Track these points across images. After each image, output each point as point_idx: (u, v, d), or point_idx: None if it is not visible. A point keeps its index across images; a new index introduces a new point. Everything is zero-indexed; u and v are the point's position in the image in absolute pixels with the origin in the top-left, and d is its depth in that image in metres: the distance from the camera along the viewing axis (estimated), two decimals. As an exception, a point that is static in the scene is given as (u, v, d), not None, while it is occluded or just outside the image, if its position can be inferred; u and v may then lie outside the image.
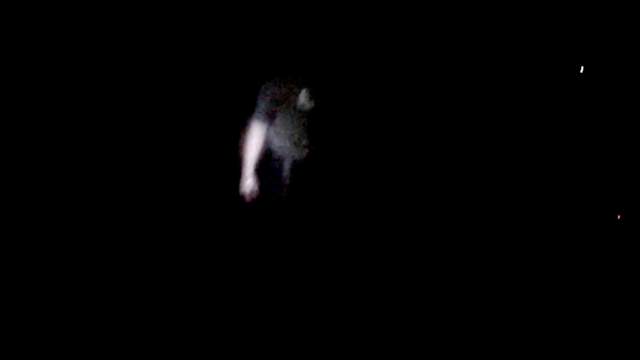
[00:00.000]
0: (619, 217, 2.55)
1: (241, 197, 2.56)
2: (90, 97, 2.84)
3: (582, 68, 3.05)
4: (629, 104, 2.94)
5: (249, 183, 2.54)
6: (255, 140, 2.51)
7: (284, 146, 2.55)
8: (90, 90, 2.83)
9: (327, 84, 2.53)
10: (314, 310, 2.16)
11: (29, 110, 2.78)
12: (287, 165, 2.59)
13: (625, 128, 2.89)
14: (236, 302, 2.24)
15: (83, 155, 2.84)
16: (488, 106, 3.05)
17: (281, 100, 2.50)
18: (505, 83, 3.12)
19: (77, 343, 1.90)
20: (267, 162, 2.61)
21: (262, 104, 2.50)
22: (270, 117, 2.51)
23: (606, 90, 2.99)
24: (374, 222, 2.76)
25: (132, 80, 2.82)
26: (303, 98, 2.48)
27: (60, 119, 2.85)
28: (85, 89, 2.84)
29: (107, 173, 2.79)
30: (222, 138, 2.72)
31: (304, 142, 2.54)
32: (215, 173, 2.77)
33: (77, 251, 2.43)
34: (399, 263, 2.51)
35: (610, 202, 2.66)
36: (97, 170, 2.80)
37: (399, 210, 2.84)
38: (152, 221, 2.71)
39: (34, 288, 2.14)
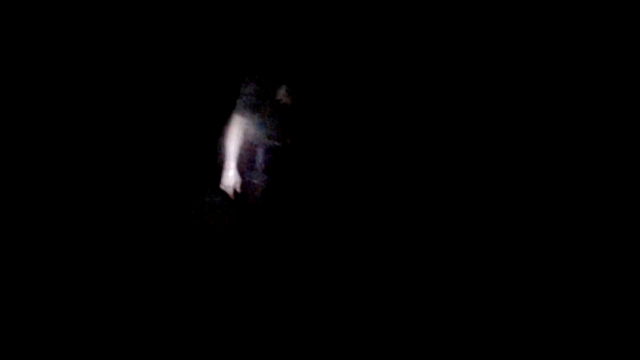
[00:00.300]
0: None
1: (222, 192, 2.55)
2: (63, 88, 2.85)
3: (581, 67, 3.01)
4: (629, 104, 2.89)
5: (230, 177, 2.53)
6: (236, 134, 2.52)
7: (264, 140, 2.55)
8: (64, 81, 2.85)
9: (307, 77, 2.54)
10: (298, 307, 2.13)
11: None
12: (267, 159, 2.58)
13: (625, 128, 2.84)
14: (219, 299, 2.22)
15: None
16: (468, 92, 3.01)
17: (262, 94, 2.51)
18: (492, 75, 3.08)
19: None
20: (248, 156, 2.59)
21: (243, 98, 2.51)
22: (251, 111, 2.52)
23: (606, 90, 2.92)
24: (357, 215, 2.71)
25: (109, 73, 2.84)
26: (283, 92, 2.50)
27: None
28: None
29: (82, 167, 2.80)
30: (202, 132, 2.72)
31: (285, 135, 2.53)
32: (196, 167, 2.76)
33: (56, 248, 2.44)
34: (380, 254, 2.46)
35: (610, 201, 2.59)
36: (71, 162, 2.81)
37: (383, 202, 2.79)
38: (132, 216, 2.70)
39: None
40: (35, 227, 2.51)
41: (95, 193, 2.71)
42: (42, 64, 2.75)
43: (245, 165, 2.60)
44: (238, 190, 2.56)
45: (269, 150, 2.57)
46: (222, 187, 2.55)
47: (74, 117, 2.77)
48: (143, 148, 2.80)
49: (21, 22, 2.75)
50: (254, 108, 2.51)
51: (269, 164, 2.59)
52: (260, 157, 2.58)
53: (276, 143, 2.55)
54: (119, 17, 2.75)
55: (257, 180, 2.59)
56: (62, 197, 2.67)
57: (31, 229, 2.50)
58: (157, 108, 2.83)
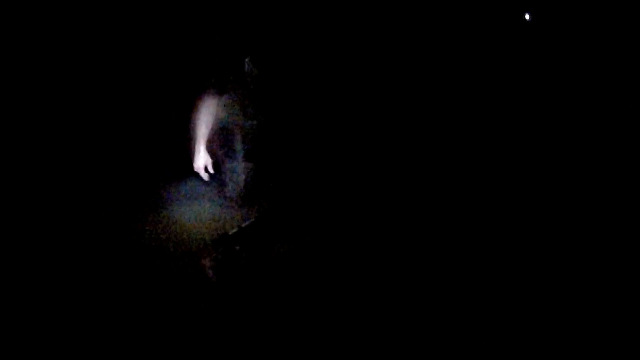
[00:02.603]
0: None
1: (194, 173, 2.54)
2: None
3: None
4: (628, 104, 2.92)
5: (200, 158, 2.51)
6: (205, 115, 2.49)
7: (238, 120, 2.53)
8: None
9: (276, 55, 2.51)
10: (289, 302, 2.08)
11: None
12: (246, 143, 2.56)
13: (624, 127, 2.88)
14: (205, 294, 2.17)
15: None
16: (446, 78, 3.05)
17: (229, 73, 2.49)
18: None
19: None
20: (223, 139, 2.58)
21: (212, 78, 2.48)
22: (219, 91, 2.49)
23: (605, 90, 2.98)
24: (330, 194, 2.73)
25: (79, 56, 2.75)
26: (252, 70, 2.47)
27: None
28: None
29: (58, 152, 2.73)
30: (173, 112, 2.67)
31: (255, 114, 2.52)
32: (167, 148, 2.72)
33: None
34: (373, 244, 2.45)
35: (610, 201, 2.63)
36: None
37: (356, 183, 2.81)
38: (102, 199, 2.65)
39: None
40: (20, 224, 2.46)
41: (65, 180, 2.65)
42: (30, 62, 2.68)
43: (222, 150, 2.56)
44: (210, 170, 2.55)
45: (245, 133, 2.53)
46: (194, 169, 2.54)
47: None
48: (113, 129, 2.74)
49: (21, 21, 2.70)
50: (222, 88, 2.48)
51: (249, 148, 2.55)
52: (237, 140, 2.54)
53: (250, 122, 2.53)
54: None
55: (239, 168, 2.55)
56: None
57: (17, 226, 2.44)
58: (126, 89, 2.77)
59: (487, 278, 2.17)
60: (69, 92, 2.75)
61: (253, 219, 2.44)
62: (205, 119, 2.49)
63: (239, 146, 2.58)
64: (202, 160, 2.52)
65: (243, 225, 2.41)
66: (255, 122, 2.55)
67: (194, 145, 2.51)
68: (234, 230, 2.38)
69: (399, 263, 2.29)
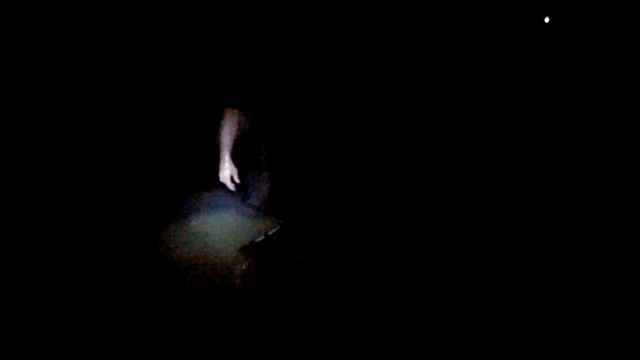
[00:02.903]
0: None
1: (220, 183, 2.58)
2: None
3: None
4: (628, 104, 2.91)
5: (226, 168, 2.56)
6: (228, 126, 2.54)
7: (257, 129, 2.57)
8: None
9: (299, 71, 2.56)
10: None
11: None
12: (261, 147, 2.60)
13: (624, 127, 2.87)
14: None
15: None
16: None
17: (251, 86, 2.54)
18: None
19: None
20: (245, 149, 2.63)
21: (236, 91, 2.54)
22: (242, 103, 2.55)
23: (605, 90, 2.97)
24: (356, 202, 2.74)
25: (103, 68, 2.82)
26: (271, 81, 2.52)
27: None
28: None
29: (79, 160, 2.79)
30: (197, 125, 2.72)
31: (280, 127, 2.56)
32: (193, 160, 2.77)
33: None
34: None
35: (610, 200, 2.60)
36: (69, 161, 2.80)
37: (380, 189, 2.80)
38: (128, 210, 2.70)
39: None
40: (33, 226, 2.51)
41: (93, 192, 2.70)
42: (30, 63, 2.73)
43: (245, 160, 2.62)
44: (236, 180, 2.60)
45: (268, 142, 2.59)
46: (220, 179, 2.59)
47: (72, 117, 2.75)
48: (138, 147, 2.80)
49: (20, 21, 2.74)
50: (245, 99, 2.54)
51: (270, 158, 2.60)
52: (261, 150, 2.60)
53: (272, 132, 2.58)
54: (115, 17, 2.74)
55: (262, 176, 2.61)
56: (59, 195, 2.67)
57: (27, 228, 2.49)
58: (149, 107, 2.83)
59: (491, 278, 2.16)
60: (95, 104, 2.81)
61: (279, 227, 2.47)
62: (230, 130, 2.55)
63: (262, 155, 2.63)
64: (227, 171, 2.57)
65: (270, 232, 2.43)
66: (277, 132, 2.60)
67: (219, 156, 2.57)
68: (261, 238, 2.41)
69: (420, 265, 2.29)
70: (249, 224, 2.58)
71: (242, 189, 2.64)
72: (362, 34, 2.91)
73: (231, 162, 2.57)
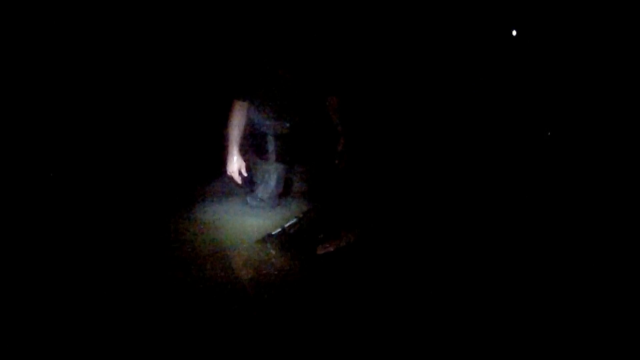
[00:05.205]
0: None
1: (228, 176, 2.53)
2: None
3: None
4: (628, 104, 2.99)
5: (234, 162, 2.51)
6: (237, 119, 2.50)
7: (266, 122, 2.55)
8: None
9: (306, 59, 2.55)
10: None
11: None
12: (270, 140, 2.59)
13: (624, 127, 2.94)
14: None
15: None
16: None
17: (262, 78, 2.51)
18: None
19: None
20: (251, 139, 2.60)
21: (243, 83, 2.50)
22: (252, 94, 2.52)
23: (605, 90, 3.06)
24: (362, 196, 2.77)
25: (111, 64, 2.68)
26: (283, 73, 2.50)
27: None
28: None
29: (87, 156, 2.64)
30: (205, 118, 2.65)
31: (286, 116, 2.54)
32: (201, 153, 2.68)
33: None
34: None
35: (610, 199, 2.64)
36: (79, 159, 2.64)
37: (391, 186, 2.85)
38: (137, 204, 2.58)
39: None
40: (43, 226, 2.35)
41: (103, 189, 2.58)
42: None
43: (254, 153, 2.60)
44: (244, 173, 2.56)
45: (277, 135, 2.58)
46: (228, 172, 2.54)
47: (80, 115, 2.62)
48: (145, 141, 2.70)
49: (20, 21, 2.65)
50: (254, 91, 2.51)
51: (281, 152, 2.59)
52: (269, 142, 2.58)
53: (281, 124, 2.57)
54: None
55: (271, 169, 2.58)
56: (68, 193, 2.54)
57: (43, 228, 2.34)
58: (157, 101, 2.74)
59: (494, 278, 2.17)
60: (108, 100, 2.70)
61: (295, 220, 2.47)
62: (238, 123, 2.50)
63: (271, 148, 2.61)
64: (235, 164, 2.52)
65: (286, 225, 2.43)
66: (286, 124, 2.59)
67: (228, 149, 2.52)
68: (278, 231, 2.40)
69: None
70: (258, 217, 2.56)
71: (250, 182, 2.61)
72: (362, 35, 2.99)
73: (239, 155, 2.53)
